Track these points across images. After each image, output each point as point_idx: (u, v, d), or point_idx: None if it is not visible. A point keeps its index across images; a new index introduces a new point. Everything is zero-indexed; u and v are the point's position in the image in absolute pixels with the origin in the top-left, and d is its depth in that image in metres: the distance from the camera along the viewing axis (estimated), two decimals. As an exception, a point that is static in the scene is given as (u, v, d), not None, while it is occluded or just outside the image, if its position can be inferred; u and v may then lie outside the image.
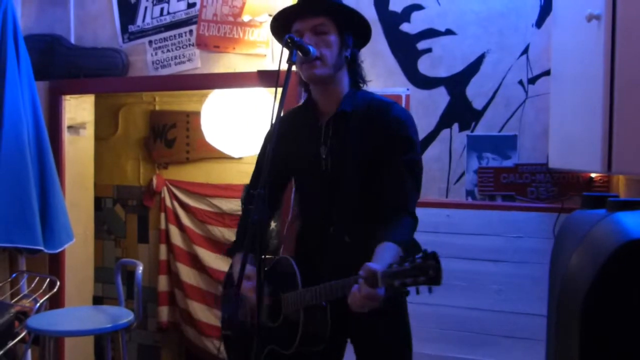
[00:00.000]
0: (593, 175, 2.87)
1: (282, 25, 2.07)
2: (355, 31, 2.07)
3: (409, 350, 2.15)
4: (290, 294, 2.01)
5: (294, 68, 1.88)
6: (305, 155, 2.12)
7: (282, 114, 2.13)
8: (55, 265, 3.95)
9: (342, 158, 2.04)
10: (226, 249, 2.34)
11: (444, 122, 3.11)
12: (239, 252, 2.14)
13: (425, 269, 1.55)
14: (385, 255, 1.76)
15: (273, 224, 3.65)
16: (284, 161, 2.14)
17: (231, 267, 2.28)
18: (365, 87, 2.16)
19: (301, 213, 2.26)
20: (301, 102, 2.28)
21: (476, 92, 3.06)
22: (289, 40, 1.84)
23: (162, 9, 3.72)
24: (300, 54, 1.90)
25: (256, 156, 2.33)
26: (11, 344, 3.16)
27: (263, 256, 1.81)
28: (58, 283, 3.73)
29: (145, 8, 3.76)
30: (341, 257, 2.02)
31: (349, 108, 2.04)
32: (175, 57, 3.70)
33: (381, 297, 1.66)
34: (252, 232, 1.71)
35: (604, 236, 1.10)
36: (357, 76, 2.11)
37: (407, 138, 2.02)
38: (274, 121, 1.79)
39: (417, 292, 1.58)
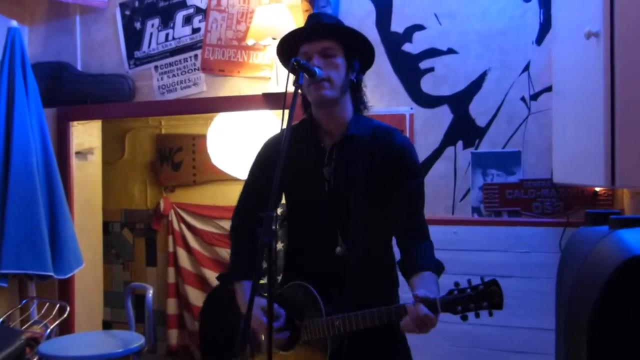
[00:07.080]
0: (597, 189, 2.88)
1: (288, 47, 2.09)
2: (361, 56, 2.10)
3: None
4: (314, 321, 1.98)
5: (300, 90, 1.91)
6: (307, 175, 2.12)
7: (278, 133, 2.21)
8: (65, 290, 3.97)
9: (348, 180, 2.05)
10: (221, 275, 2.32)
11: (448, 140, 3.14)
12: (242, 279, 2.12)
13: (489, 296, 1.72)
14: (432, 286, 1.85)
15: (280, 245, 3.66)
16: (282, 181, 2.11)
17: (217, 288, 2.28)
18: (366, 111, 2.17)
19: (297, 235, 2.23)
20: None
21: (479, 109, 3.09)
22: (295, 64, 1.86)
23: (167, 35, 3.78)
24: (306, 76, 1.93)
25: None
26: (23, 370, 3.17)
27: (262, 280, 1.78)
28: (68, 308, 3.74)
29: (151, 34, 3.82)
30: (348, 276, 2.02)
31: (356, 132, 2.07)
32: (181, 82, 3.74)
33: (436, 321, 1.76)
34: (262, 254, 1.69)
35: (606, 253, 1.13)
36: (359, 101, 2.13)
37: (416, 164, 2.12)
38: (283, 144, 1.78)
39: (477, 316, 1.73)
